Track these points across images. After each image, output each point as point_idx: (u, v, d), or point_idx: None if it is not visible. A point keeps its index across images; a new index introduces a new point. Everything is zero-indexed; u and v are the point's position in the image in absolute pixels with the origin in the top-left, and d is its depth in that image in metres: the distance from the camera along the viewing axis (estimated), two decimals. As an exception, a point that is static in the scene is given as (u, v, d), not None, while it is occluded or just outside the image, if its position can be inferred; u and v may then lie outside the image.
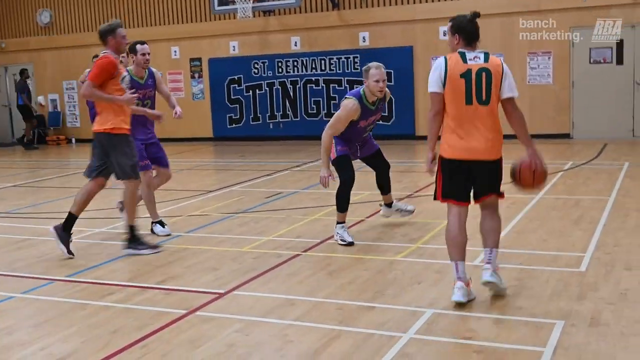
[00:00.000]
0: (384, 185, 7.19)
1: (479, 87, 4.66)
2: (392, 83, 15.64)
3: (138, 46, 7.20)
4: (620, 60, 14.27)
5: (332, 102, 16.45)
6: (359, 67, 16.07)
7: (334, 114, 6.77)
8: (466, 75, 4.66)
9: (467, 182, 4.81)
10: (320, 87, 16.58)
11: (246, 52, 17.40)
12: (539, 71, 14.90)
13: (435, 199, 4.96)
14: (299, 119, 16.93)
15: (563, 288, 5.07)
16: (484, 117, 4.69)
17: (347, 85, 16.20)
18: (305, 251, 6.48)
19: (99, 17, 18.90)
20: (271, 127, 17.27)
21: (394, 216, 7.37)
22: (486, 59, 4.71)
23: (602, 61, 14.45)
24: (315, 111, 16.72)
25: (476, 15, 4.78)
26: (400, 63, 15.73)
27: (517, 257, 5.96)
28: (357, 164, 6.96)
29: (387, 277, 5.58)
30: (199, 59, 17.99)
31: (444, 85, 4.70)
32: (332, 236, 6.83)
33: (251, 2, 14.81)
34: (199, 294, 5.39)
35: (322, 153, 6.63)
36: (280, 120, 17.14)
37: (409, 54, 15.74)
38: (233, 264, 6.18)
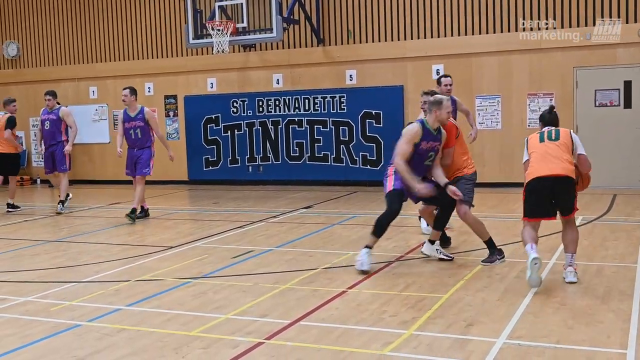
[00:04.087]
0: (438, 220, 7.33)
1: (549, 134, 6.50)
2: (382, 125, 14.46)
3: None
4: (628, 104, 13.13)
5: (316, 144, 15.16)
6: (345, 107, 14.86)
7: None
8: (540, 135, 6.60)
9: (548, 201, 6.32)
10: (303, 128, 15.31)
11: (225, 90, 16.16)
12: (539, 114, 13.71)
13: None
14: (280, 162, 15.63)
15: (609, 410, 3.75)
16: (555, 149, 6.36)
17: (333, 127, 14.94)
18: (269, 338, 5.13)
19: (69, 51, 17.70)
20: (250, 170, 15.96)
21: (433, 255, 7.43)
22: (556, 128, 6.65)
23: (608, 104, 13.31)
24: (297, 154, 15.41)
25: (552, 107, 6.87)
26: (390, 103, 14.51)
27: (538, 354, 4.64)
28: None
29: (372, 385, 4.24)
30: (174, 96, 16.73)
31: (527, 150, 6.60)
32: (304, 317, 5.53)
33: (228, 35, 13.58)
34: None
35: (405, 177, 6.99)
36: (260, 163, 15.84)
37: (399, 93, 14.52)
38: (173, 359, 4.82)
